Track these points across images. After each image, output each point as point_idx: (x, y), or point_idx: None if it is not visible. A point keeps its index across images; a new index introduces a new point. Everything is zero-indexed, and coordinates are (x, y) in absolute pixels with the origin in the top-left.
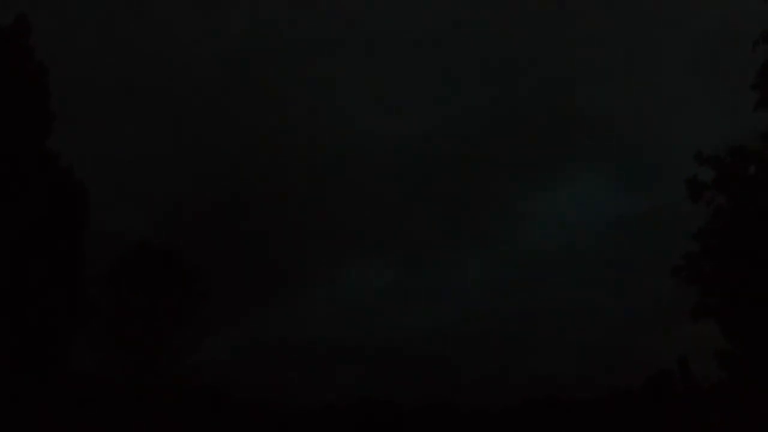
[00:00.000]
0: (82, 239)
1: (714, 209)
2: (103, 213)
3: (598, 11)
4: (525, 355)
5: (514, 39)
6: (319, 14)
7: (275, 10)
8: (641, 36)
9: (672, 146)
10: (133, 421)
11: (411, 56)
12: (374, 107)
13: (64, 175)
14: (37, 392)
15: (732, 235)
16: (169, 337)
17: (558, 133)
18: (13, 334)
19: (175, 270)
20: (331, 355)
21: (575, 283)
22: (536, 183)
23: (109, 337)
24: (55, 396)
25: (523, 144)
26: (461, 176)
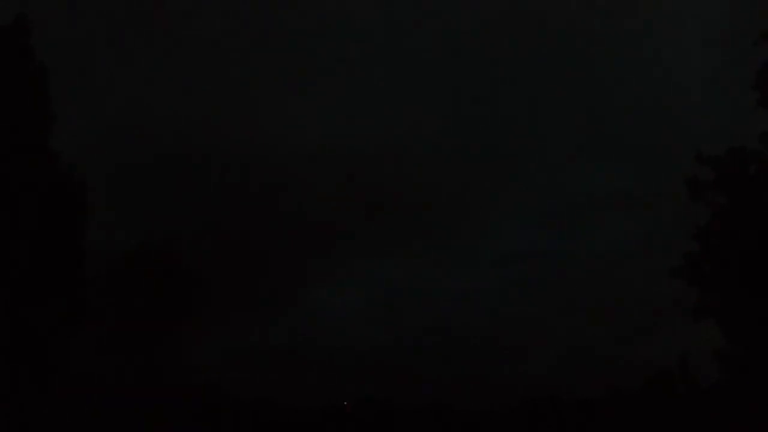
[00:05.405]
0: (82, 240)
1: (714, 209)
2: (103, 214)
3: None
4: (524, 356)
5: None
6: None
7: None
8: None
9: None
10: (132, 422)
11: None
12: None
13: (64, 175)
14: (37, 393)
15: (732, 235)
16: (169, 338)
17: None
18: (14, 335)
19: (175, 271)
20: (331, 356)
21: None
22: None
23: (109, 338)
24: (55, 396)
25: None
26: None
